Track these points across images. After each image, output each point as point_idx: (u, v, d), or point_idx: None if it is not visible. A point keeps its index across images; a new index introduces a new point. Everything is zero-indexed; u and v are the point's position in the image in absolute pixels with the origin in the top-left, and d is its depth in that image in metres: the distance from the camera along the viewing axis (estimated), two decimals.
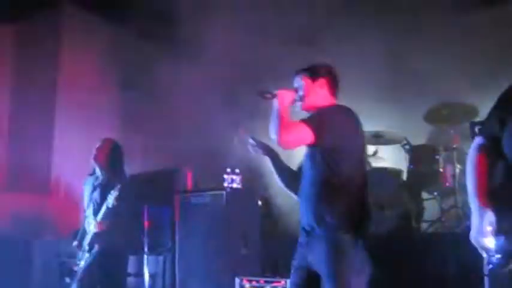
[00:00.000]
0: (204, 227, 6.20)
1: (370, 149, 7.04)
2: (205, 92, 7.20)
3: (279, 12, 7.31)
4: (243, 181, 6.45)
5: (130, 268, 6.36)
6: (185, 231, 6.38)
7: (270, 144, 4.18)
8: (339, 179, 3.77)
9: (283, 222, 6.96)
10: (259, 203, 6.56)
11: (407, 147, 6.69)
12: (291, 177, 4.16)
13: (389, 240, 5.90)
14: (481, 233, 2.95)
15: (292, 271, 3.93)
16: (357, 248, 3.72)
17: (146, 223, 6.38)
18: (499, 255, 2.95)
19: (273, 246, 6.37)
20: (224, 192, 6.15)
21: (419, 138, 7.00)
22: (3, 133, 8.52)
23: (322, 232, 3.77)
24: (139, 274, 6.53)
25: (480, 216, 2.94)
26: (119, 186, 5.63)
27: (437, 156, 6.51)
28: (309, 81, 4.10)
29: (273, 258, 6.17)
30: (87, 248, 5.85)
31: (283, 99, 3.94)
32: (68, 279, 5.89)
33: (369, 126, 6.89)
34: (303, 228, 3.91)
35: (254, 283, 5.71)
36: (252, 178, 6.66)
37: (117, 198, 5.63)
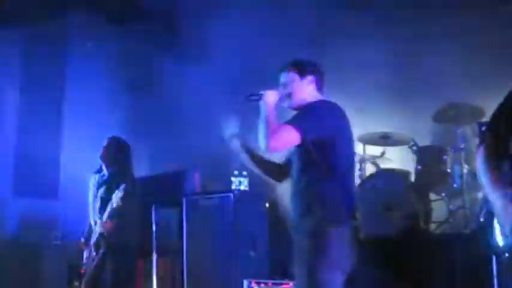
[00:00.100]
0: (212, 229, 6.21)
1: (378, 150, 7.04)
2: (213, 93, 7.21)
3: (285, 13, 7.32)
4: (250, 183, 6.47)
5: (139, 270, 6.37)
6: (193, 234, 6.39)
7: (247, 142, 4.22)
8: (325, 173, 3.78)
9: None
10: (267, 205, 6.55)
11: (414, 148, 6.68)
12: (275, 171, 4.20)
13: (397, 241, 5.89)
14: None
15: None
16: (341, 242, 3.72)
17: (154, 225, 6.38)
18: (507, 254, 2.94)
19: (281, 248, 6.36)
20: (232, 195, 6.16)
21: (426, 139, 6.99)
22: (11, 136, 8.53)
23: (305, 227, 3.79)
24: (148, 276, 6.54)
25: (503, 198, 2.84)
26: (123, 186, 5.62)
27: (444, 157, 6.50)
28: (297, 78, 4.09)
29: (281, 260, 6.17)
30: (93, 248, 5.85)
31: (269, 99, 3.93)
32: (76, 283, 5.91)
33: (376, 127, 6.92)
34: (291, 226, 3.94)
35: (262, 285, 5.71)
36: (260, 180, 6.65)
37: (122, 199, 5.63)
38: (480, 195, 6.20)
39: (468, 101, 6.59)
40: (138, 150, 7.48)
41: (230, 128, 4.25)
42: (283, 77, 4.13)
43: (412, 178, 6.59)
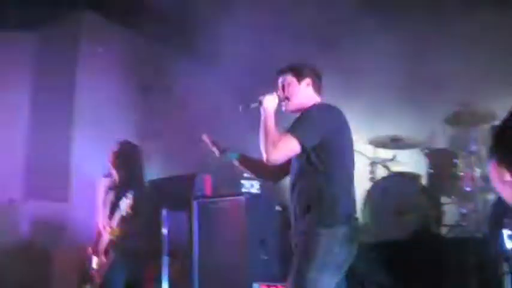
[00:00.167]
0: (223, 232, 6.20)
1: (389, 153, 7.01)
2: (224, 95, 7.22)
3: (296, 14, 7.31)
4: (261, 186, 6.45)
5: (149, 273, 6.37)
6: (204, 237, 6.38)
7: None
8: (323, 175, 3.83)
9: None
10: (278, 208, 6.54)
11: (426, 151, 6.66)
12: (271, 172, 4.23)
13: (409, 245, 5.87)
14: None
15: None
16: (333, 242, 3.73)
17: (165, 228, 6.37)
18: None
19: (292, 252, 6.34)
20: (243, 198, 6.15)
21: (438, 142, 6.96)
22: (22, 140, 8.55)
23: (301, 227, 3.84)
24: (158, 279, 6.53)
25: None
26: (132, 193, 5.59)
27: (456, 160, 6.48)
28: (294, 81, 4.14)
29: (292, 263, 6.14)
30: (103, 255, 5.83)
31: (268, 104, 3.98)
32: (87, 287, 5.90)
33: (387, 130, 6.90)
34: (292, 227, 3.98)
35: None
36: (271, 183, 6.65)
37: (131, 206, 5.61)
38: (492, 198, 6.17)
39: (480, 104, 6.57)
40: (149, 152, 7.49)
41: (218, 144, 4.33)
42: (281, 81, 4.18)
43: (424, 181, 6.57)
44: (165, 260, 6.26)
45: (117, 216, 5.70)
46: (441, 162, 6.53)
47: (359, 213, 6.38)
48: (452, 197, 6.55)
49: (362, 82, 7.33)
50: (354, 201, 3.98)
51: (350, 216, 3.89)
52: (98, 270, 5.86)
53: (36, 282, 7.29)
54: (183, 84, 7.85)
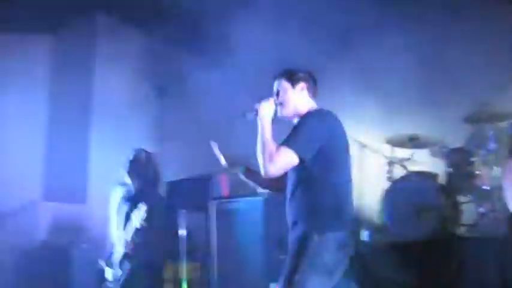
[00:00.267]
0: (241, 233, 6.20)
1: (406, 152, 6.99)
2: (238, 97, 7.21)
3: (310, 14, 7.30)
4: None
5: (167, 274, 6.38)
6: (221, 237, 6.39)
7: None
8: (319, 183, 3.83)
9: None
10: None
11: (444, 150, 6.62)
12: (273, 184, 4.21)
13: (427, 244, 5.84)
14: None
15: None
16: (325, 248, 3.73)
17: (182, 229, 6.38)
18: None
19: None
20: (260, 198, 6.15)
21: (455, 141, 6.92)
22: (40, 142, 8.60)
23: (295, 233, 3.85)
24: (176, 280, 6.54)
25: None
26: (146, 207, 5.56)
27: (474, 159, 6.44)
28: (289, 86, 4.13)
29: None
30: (118, 267, 5.81)
31: (264, 112, 3.96)
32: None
33: (404, 129, 6.87)
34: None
35: None
36: None
37: (145, 220, 5.58)
38: None
39: (498, 102, 6.54)
40: (166, 154, 7.51)
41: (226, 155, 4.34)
42: (276, 86, 4.17)
43: (441, 180, 6.53)
44: (183, 261, 6.27)
45: (130, 228, 5.69)
46: (459, 161, 6.48)
47: (376, 213, 6.41)
48: (470, 196, 6.50)
49: (379, 81, 7.30)
50: (350, 208, 3.95)
51: (345, 223, 3.87)
52: (113, 282, 5.84)
53: (54, 283, 7.33)
54: (198, 84, 7.86)
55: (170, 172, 7.14)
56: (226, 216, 6.37)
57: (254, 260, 6.02)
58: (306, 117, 3.98)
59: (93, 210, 7.94)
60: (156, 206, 5.73)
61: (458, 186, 6.45)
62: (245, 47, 7.23)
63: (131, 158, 6.02)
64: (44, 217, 8.00)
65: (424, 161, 6.98)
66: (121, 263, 5.77)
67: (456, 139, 6.87)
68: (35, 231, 7.94)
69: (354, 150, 6.90)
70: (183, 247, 6.31)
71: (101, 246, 6.95)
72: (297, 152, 3.77)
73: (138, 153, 6.05)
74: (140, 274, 5.73)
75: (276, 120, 4.03)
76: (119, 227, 5.94)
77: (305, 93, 4.14)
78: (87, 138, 8.45)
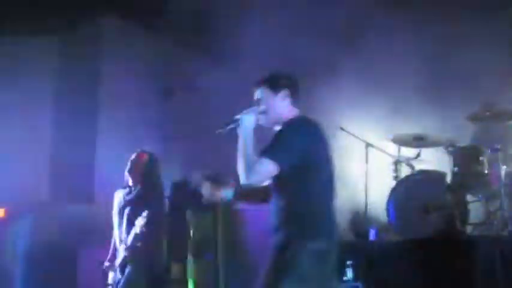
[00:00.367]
0: (248, 233, 6.20)
1: (413, 151, 6.98)
2: (245, 98, 7.21)
3: (317, 14, 7.29)
4: None
5: (174, 275, 6.38)
6: (228, 238, 6.39)
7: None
8: (300, 192, 3.78)
9: None
10: None
11: (450, 149, 6.60)
12: (262, 196, 4.16)
13: (435, 243, 5.83)
14: None
15: None
16: (312, 258, 3.69)
17: (190, 229, 6.38)
18: None
19: None
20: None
21: (462, 140, 6.91)
22: (47, 143, 8.63)
23: (279, 242, 3.81)
24: (183, 280, 6.54)
25: None
26: (146, 213, 5.54)
27: (481, 158, 6.40)
28: (270, 93, 4.04)
29: None
30: (119, 270, 5.80)
31: (246, 123, 3.91)
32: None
33: (411, 129, 6.87)
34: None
35: None
36: None
37: (145, 225, 5.57)
38: None
39: (504, 101, 6.52)
40: (172, 154, 7.51)
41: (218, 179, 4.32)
42: (257, 94, 4.09)
43: (449, 180, 6.52)
44: (190, 261, 6.27)
45: (132, 233, 5.69)
46: (466, 160, 6.46)
47: (384, 212, 6.40)
48: (478, 194, 6.49)
49: (385, 81, 7.30)
50: (332, 217, 3.88)
51: (327, 232, 3.82)
52: (113, 285, 5.83)
53: (62, 284, 7.35)
54: (205, 85, 7.86)
55: (177, 172, 7.14)
56: (233, 216, 6.37)
57: (261, 259, 6.02)
58: (287, 126, 3.91)
59: (100, 211, 7.95)
60: (157, 209, 5.71)
61: (466, 185, 6.43)
62: (253, 47, 7.23)
63: (133, 157, 6.00)
64: (51, 218, 8.00)
65: (430, 160, 6.98)
66: (121, 266, 5.76)
67: (463, 138, 6.87)
68: (42, 232, 7.95)
69: (360, 149, 6.94)
70: (190, 246, 6.31)
71: (108, 247, 6.97)
72: (278, 162, 3.71)
73: (139, 154, 6.03)
74: (140, 278, 5.71)
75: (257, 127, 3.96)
76: (119, 230, 5.93)
77: (288, 100, 4.04)
78: (94, 139, 8.46)
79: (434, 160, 6.98)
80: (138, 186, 5.93)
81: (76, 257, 7.55)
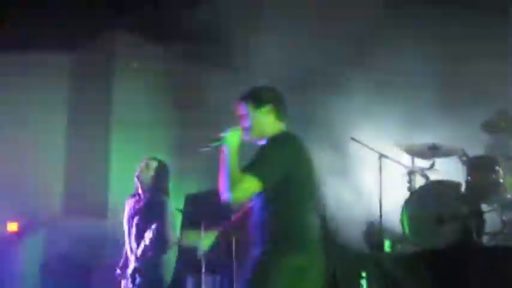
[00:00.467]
0: None
1: (427, 162, 6.93)
2: None
3: (328, 25, 7.28)
4: None
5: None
6: (242, 250, 6.35)
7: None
8: (281, 208, 3.76)
9: (341, 237, 6.90)
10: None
11: (464, 159, 6.56)
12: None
13: (451, 254, 5.79)
14: None
15: None
16: (289, 274, 3.65)
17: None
18: None
19: (330, 263, 6.30)
20: None
21: (476, 149, 6.86)
22: (60, 157, 8.66)
23: (257, 256, 3.78)
24: None
25: None
26: (155, 226, 5.52)
27: (497, 167, 6.36)
28: (253, 109, 4.00)
29: (331, 273, 6.12)
30: (130, 280, 5.79)
31: (231, 141, 3.86)
32: None
33: (424, 139, 6.83)
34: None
35: None
36: None
37: (154, 238, 5.55)
38: None
39: None
40: (186, 167, 7.50)
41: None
42: (241, 110, 4.06)
43: (463, 189, 6.47)
44: (203, 274, 6.24)
45: (142, 245, 5.66)
46: (481, 169, 6.42)
47: (398, 223, 6.36)
48: (493, 204, 6.44)
49: (398, 91, 7.27)
50: (314, 232, 3.86)
51: (307, 248, 3.79)
52: None
53: None
54: (217, 98, 7.87)
55: (191, 185, 7.14)
56: (246, 229, 6.33)
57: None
58: (270, 143, 3.88)
59: (114, 224, 7.95)
60: (165, 219, 5.70)
61: (481, 195, 6.38)
62: (264, 61, 7.23)
63: (142, 164, 5.98)
64: (65, 232, 8.02)
65: (445, 170, 6.93)
66: (132, 276, 5.75)
67: (477, 148, 6.82)
68: (56, 246, 7.96)
69: (373, 159, 6.90)
70: (203, 259, 6.28)
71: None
72: (261, 179, 3.67)
73: (149, 161, 6.01)
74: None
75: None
76: (129, 238, 5.92)
77: (272, 115, 4.00)
78: (107, 153, 8.48)
79: (448, 170, 6.93)
80: (147, 194, 5.90)
81: (89, 271, 7.55)
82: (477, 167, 6.44)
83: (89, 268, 7.61)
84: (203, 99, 8.23)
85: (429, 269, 5.69)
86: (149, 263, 5.67)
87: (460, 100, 7.11)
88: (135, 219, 5.89)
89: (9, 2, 7.63)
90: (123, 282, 5.89)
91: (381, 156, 6.93)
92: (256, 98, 4.02)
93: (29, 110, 8.40)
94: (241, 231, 4.28)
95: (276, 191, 3.74)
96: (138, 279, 5.70)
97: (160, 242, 5.63)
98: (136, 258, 5.71)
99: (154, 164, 5.98)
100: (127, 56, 8.69)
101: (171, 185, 6.13)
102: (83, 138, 8.57)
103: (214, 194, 6.89)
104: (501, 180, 6.32)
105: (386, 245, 6.69)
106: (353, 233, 6.87)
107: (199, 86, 8.34)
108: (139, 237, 5.71)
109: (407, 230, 6.27)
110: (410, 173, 6.85)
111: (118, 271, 5.98)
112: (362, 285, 5.76)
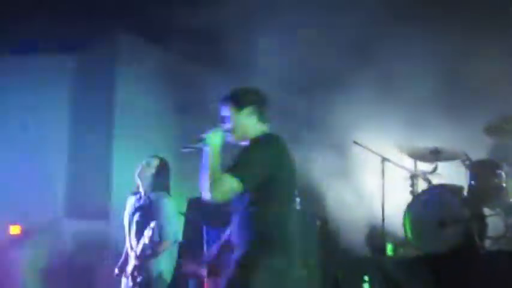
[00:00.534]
0: None
1: (429, 166, 6.93)
2: None
3: (329, 26, 7.28)
4: (301, 201, 6.42)
5: None
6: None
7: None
8: (259, 209, 3.76)
9: (343, 242, 6.90)
10: (318, 223, 6.51)
11: (467, 162, 6.56)
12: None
13: (453, 258, 5.79)
14: None
15: None
16: (268, 277, 3.64)
17: (205, 245, 6.36)
18: None
19: (333, 267, 6.31)
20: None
21: (480, 153, 6.86)
22: (62, 159, 8.66)
23: (235, 257, 3.79)
24: None
25: None
26: (154, 223, 5.53)
27: (499, 171, 6.36)
28: (235, 111, 4.00)
29: (333, 278, 6.12)
30: (130, 278, 5.78)
31: (213, 142, 3.88)
32: None
33: (427, 142, 6.82)
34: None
35: None
36: (311, 199, 6.63)
37: (154, 237, 5.56)
38: None
39: None
40: (187, 170, 7.49)
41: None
42: (223, 111, 4.06)
43: (466, 193, 6.47)
44: (205, 276, 6.25)
45: (141, 243, 5.67)
46: (484, 173, 6.41)
47: (401, 227, 6.36)
48: (496, 208, 6.43)
49: (400, 94, 7.26)
50: (290, 237, 3.85)
51: (287, 249, 3.80)
52: None
53: None
54: (218, 100, 7.87)
55: (192, 188, 7.13)
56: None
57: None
58: (252, 144, 3.90)
59: (116, 226, 7.97)
60: (165, 217, 5.70)
61: (483, 199, 6.37)
62: (264, 60, 7.23)
63: (143, 162, 5.98)
64: (67, 234, 8.03)
65: (447, 174, 6.93)
66: (132, 274, 5.75)
67: (480, 151, 6.82)
68: (58, 248, 7.98)
69: (376, 163, 6.90)
70: (205, 263, 6.28)
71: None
72: (241, 180, 3.68)
73: (151, 159, 6.02)
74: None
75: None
76: (130, 236, 5.93)
77: (254, 117, 3.99)
78: (109, 155, 8.49)
79: (451, 174, 6.93)
80: (148, 192, 5.91)
81: (92, 273, 7.55)
82: (480, 170, 6.44)
83: (91, 270, 7.61)
84: (205, 99, 8.24)
85: (431, 273, 5.69)
86: (149, 261, 5.68)
87: (463, 104, 7.10)
88: (136, 217, 5.90)
89: (10, 2, 7.63)
90: (123, 281, 5.88)
91: (383, 159, 6.93)
92: (239, 99, 4.01)
93: (31, 112, 8.40)
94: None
95: (258, 192, 3.74)
96: (138, 278, 5.70)
97: (160, 240, 5.65)
98: (136, 256, 5.72)
99: (155, 162, 5.99)
100: (127, 56, 8.69)
101: (172, 186, 6.13)
102: (85, 140, 8.58)
103: None
104: (504, 184, 6.31)
105: (389, 249, 6.69)
106: (355, 236, 6.87)
107: (200, 87, 8.34)
108: (139, 234, 5.70)
109: (409, 234, 6.26)
110: (413, 177, 6.85)
111: (116, 271, 5.98)
112: None
